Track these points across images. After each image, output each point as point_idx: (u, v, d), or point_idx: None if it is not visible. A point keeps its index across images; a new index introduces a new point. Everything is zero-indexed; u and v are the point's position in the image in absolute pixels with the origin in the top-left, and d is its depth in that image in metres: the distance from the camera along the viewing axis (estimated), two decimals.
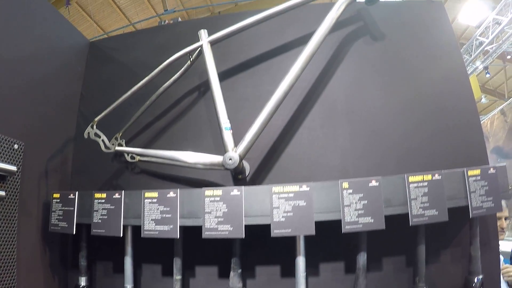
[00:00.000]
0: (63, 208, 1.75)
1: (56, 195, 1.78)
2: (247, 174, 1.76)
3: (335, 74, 1.91)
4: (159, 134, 1.98)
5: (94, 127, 1.80)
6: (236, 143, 1.63)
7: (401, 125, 1.80)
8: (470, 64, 10.45)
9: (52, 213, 1.77)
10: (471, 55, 10.27)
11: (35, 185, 1.81)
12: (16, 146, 1.66)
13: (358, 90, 1.87)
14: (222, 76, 1.96)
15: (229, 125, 1.64)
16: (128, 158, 1.91)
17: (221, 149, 1.63)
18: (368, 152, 1.77)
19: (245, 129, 1.75)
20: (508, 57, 10.65)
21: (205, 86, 1.98)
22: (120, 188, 1.94)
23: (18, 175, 1.65)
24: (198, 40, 1.87)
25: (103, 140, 1.77)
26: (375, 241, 1.55)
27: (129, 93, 1.81)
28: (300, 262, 1.53)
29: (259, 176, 1.78)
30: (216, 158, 1.61)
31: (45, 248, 1.81)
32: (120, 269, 1.71)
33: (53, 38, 2.05)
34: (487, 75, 11.55)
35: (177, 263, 1.66)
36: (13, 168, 1.61)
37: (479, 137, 1.77)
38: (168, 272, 1.73)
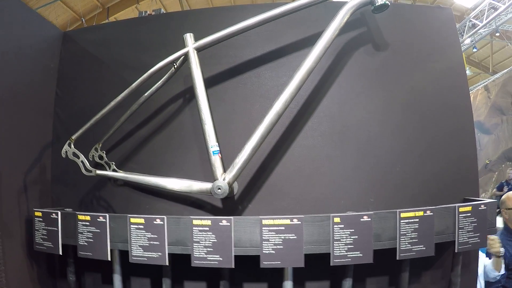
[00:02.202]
0: (47, 227, 1.70)
1: (38, 214, 1.72)
2: (235, 192, 1.71)
3: (331, 88, 1.79)
4: (142, 143, 1.87)
5: (72, 145, 1.67)
6: (225, 162, 1.57)
7: (398, 147, 1.75)
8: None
9: (36, 231, 1.72)
10: (462, 36, 10.03)
11: (15, 202, 1.74)
12: None
13: (355, 107, 1.78)
14: (209, 83, 1.81)
15: (217, 149, 1.55)
16: (110, 172, 1.82)
17: (206, 158, 1.57)
18: (361, 173, 1.74)
19: (233, 146, 1.69)
20: (497, 34, 10.39)
21: (191, 93, 1.83)
22: (103, 200, 1.88)
23: None
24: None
25: (82, 162, 1.65)
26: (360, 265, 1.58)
27: (107, 108, 1.66)
28: (288, 286, 1.56)
29: (247, 195, 1.74)
30: (204, 186, 1.55)
31: (32, 264, 1.80)
32: (109, 282, 1.71)
33: (20, 33, 1.81)
34: (474, 50, 11.56)
35: (166, 283, 1.67)
36: None
37: (473, 164, 1.77)
38: (157, 285, 1.74)
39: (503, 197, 2.89)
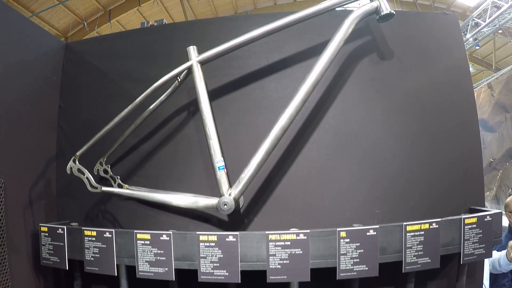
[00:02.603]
0: (53, 242, 1.71)
1: (44, 229, 1.73)
2: (241, 205, 1.71)
3: (336, 99, 1.79)
4: (147, 156, 1.87)
5: (77, 162, 1.68)
6: (231, 175, 1.57)
7: (403, 157, 1.75)
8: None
9: (42, 246, 1.73)
10: (465, 34, 10.01)
11: (20, 217, 1.75)
12: None
13: (360, 118, 1.77)
14: (213, 95, 1.82)
15: (223, 164, 1.55)
16: (116, 186, 1.83)
17: (212, 171, 1.58)
18: (367, 184, 1.73)
19: (239, 159, 1.69)
20: (500, 31, 10.35)
21: (195, 105, 1.84)
22: (109, 213, 1.89)
23: (2, 215, 1.58)
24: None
25: (87, 178, 1.66)
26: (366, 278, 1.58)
27: (111, 123, 1.66)
28: None
29: (253, 209, 1.74)
30: (210, 201, 1.56)
31: (39, 278, 1.81)
32: None
33: (21, 46, 1.81)
34: (477, 47, 11.52)
35: None
36: None
37: (479, 174, 1.77)
38: None
39: (507, 200, 2.89)
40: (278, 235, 1.48)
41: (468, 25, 9.86)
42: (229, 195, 1.51)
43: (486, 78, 10.69)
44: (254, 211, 1.74)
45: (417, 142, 1.76)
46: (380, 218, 1.71)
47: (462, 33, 9.75)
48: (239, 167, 1.54)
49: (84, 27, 10.25)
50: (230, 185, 1.55)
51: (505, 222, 3.14)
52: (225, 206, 1.49)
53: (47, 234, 1.73)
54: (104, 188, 1.65)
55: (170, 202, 1.59)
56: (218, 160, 1.54)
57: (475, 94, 8.54)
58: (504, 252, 2.36)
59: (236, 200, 1.51)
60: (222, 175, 1.53)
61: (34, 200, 1.83)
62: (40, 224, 1.75)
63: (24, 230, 1.77)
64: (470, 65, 13.48)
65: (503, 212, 2.84)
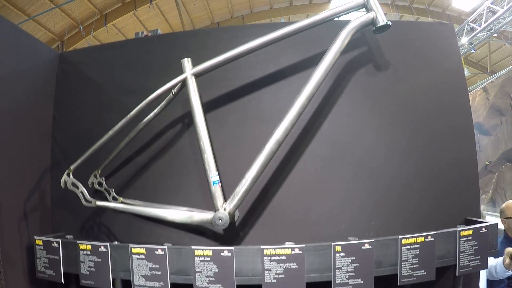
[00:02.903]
0: (48, 256, 1.70)
1: (39, 242, 1.72)
2: (236, 218, 1.71)
3: (332, 111, 1.79)
4: (142, 169, 1.87)
5: (71, 175, 1.67)
6: (225, 187, 1.58)
7: (399, 168, 1.76)
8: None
9: (37, 259, 1.73)
10: (460, 39, 10.03)
11: (15, 229, 1.74)
12: None
13: (355, 130, 1.78)
14: (208, 107, 1.82)
15: (217, 178, 1.55)
16: (110, 199, 1.82)
17: (207, 183, 1.57)
18: (362, 196, 1.74)
19: (233, 171, 1.69)
20: (495, 34, 10.43)
21: (189, 117, 1.83)
22: (104, 225, 1.88)
23: None
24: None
25: (82, 192, 1.65)
26: None
27: (105, 137, 1.65)
28: None
29: (248, 222, 1.74)
30: (205, 216, 1.55)
31: None
32: None
33: (15, 57, 1.80)
34: (472, 51, 11.55)
35: None
36: None
37: (475, 184, 1.77)
38: None
39: (502, 206, 2.90)
40: (273, 250, 1.47)
41: (464, 29, 9.91)
42: (224, 209, 1.50)
43: (481, 81, 10.74)
44: (250, 223, 1.73)
45: (413, 153, 1.76)
46: (375, 230, 1.71)
47: (458, 38, 9.81)
48: (235, 180, 1.54)
49: (80, 31, 10.21)
50: (225, 199, 1.54)
51: (500, 225, 3.16)
52: (220, 221, 1.49)
53: (42, 247, 1.72)
54: (99, 203, 1.64)
55: (165, 217, 1.59)
56: (213, 174, 1.54)
57: (471, 98, 8.58)
58: (500, 259, 2.36)
59: (231, 215, 1.51)
60: (216, 190, 1.53)
61: (29, 212, 1.82)
62: (35, 237, 1.74)
63: (19, 242, 1.76)
64: (465, 69, 13.57)
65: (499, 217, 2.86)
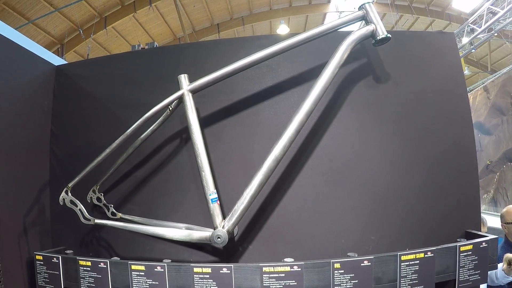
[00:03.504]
0: (48, 271, 1.71)
1: (39, 257, 1.73)
2: (235, 234, 1.71)
3: (331, 125, 1.78)
4: (140, 184, 1.87)
5: (69, 193, 1.67)
6: (224, 203, 1.59)
7: (398, 182, 1.75)
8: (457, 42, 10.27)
9: (38, 274, 1.73)
10: (460, 40, 10.03)
11: (15, 245, 1.74)
12: None
13: (355, 144, 1.77)
14: (206, 122, 1.81)
15: (216, 196, 1.55)
16: (109, 215, 1.83)
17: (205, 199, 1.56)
18: (362, 211, 1.73)
19: (232, 187, 1.70)
20: (495, 34, 10.41)
21: (187, 132, 1.80)
22: (103, 240, 1.89)
23: None
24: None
25: (80, 210, 1.65)
26: None
27: (102, 155, 1.65)
28: None
29: (247, 237, 1.73)
30: (204, 234, 1.54)
31: None
32: None
33: (12, 72, 1.80)
34: (473, 51, 11.49)
35: None
36: None
37: (475, 197, 1.77)
38: None
39: (502, 211, 2.90)
40: (272, 267, 1.47)
41: (464, 30, 9.88)
42: (223, 227, 1.50)
43: (482, 80, 10.70)
44: (249, 239, 1.73)
45: (412, 167, 1.76)
46: (375, 245, 1.70)
47: (458, 38, 9.79)
48: (234, 195, 1.54)
49: (80, 34, 10.22)
50: (224, 217, 1.54)
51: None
52: (219, 239, 1.49)
53: (42, 263, 1.73)
54: (97, 221, 1.64)
55: (164, 235, 1.58)
56: (211, 192, 1.53)
57: (471, 97, 8.56)
58: (500, 265, 2.36)
59: (230, 232, 1.51)
60: (215, 207, 1.53)
61: (28, 228, 1.82)
62: (35, 253, 1.74)
63: (19, 257, 1.76)
64: (465, 68, 13.53)
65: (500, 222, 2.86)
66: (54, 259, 1.70)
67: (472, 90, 9.24)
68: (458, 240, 1.66)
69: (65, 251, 1.83)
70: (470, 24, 9.65)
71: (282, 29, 13.33)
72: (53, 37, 10.28)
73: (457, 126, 1.80)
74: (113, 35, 11.28)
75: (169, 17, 11.91)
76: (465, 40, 9.92)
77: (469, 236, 1.69)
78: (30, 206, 1.86)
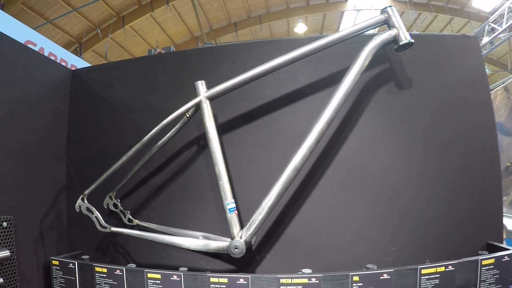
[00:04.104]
0: (64, 276, 1.72)
1: (55, 262, 1.75)
2: (253, 243, 1.69)
3: (351, 133, 1.73)
4: (157, 191, 1.86)
5: (85, 200, 1.68)
6: (242, 212, 1.58)
7: (420, 192, 1.68)
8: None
9: (54, 279, 1.75)
10: (481, 40, 9.73)
11: (32, 250, 1.76)
12: (5, 224, 1.57)
13: (376, 152, 1.71)
14: (224, 129, 1.79)
15: (233, 206, 1.52)
16: (126, 221, 1.83)
17: (223, 207, 1.55)
18: (382, 221, 1.68)
19: (250, 196, 1.67)
20: None
21: (205, 139, 1.78)
22: (120, 245, 1.89)
23: (13, 257, 1.59)
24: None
25: (96, 217, 1.65)
26: None
27: (119, 163, 1.65)
28: None
29: (265, 246, 1.71)
30: (221, 244, 1.53)
31: None
32: None
33: (29, 78, 1.82)
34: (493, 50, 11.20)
35: None
36: (6, 253, 1.54)
37: (498, 208, 1.70)
38: None
39: None
40: (290, 279, 1.44)
41: (484, 30, 9.62)
42: (240, 237, 1.48)
43: (502, 79, 10.41)
44: (266, 248, 1.71)
45: (435, 177, 1.69)
46: (395, 256, 1.66)
47: (479, 38, 9.55)
48: (252, 204, 1.52)
49: (97, 34, 10.36)
50: (242, 226, 1.52)
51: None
52: (236, 250, 1.47)
53: (58, 268, 1.75)
54: (113, 229, 1.65)
55: (181, 244, 1.56)
56: (229, 201, 1.51)
57: (491, 97, 8.34)
58: None
59: (248, 243, 1.49)
60: (233, 217, 1.51)
61: (45, 232, 1.84)
62: (51, 258, 1.76)
63: (36, 262, 1.78)
64: (485, 66, 13.20)
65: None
66: (70, 264, 1.71)
67: (492, 89, 9.00)
68: (479, 252, 1.60)
69: (82, 256, 1.84)
70: (490, 23, 9.39)
71: (300, 27, 13.25)
72: (71, 36, 10.46)
73: (481, 135, 1.72)
74: (130, 34, 11.41)
75: (186, 16, 11.96)
76: (485, 39, 9.64)
77: (491, 248, 1.63)
78: (47, 211, 1.88)
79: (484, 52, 10.03)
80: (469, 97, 1.75)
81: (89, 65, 4.56)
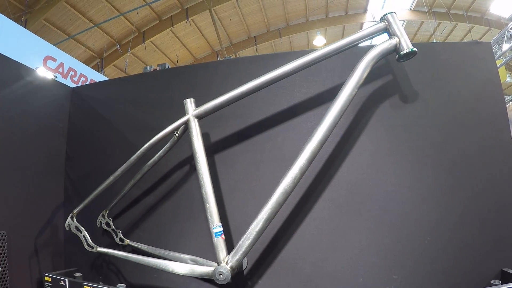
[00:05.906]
0: None
1: (48, 278, 1.75)
2: (244, 267, 1.61)
3: (350, 152, 1.63)
4: (149, 210, 1.83)
5: (74, 219, 1.66)
6: (233, 234, 1.53)
7: (427, 216, 1.56)
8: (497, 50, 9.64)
9: None
10: (501, 47, 9.41)
11: (26, 266, 1.77)
12: None
13: (377, 173, 1.60)
14: (217, 147, 1.74)
15: (220, 229, 1.44)
16: (117, 240, 1.80)
17: None
18: (383, 247, 1.56)
19: (242, 217, 1.60)
20: None
21: None
22: (113, 264, 1.86)
23: (5, 272, 1.58)
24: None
25: (84, 237, 1.63)
26: None
27: (106, 182, 1.64)
28: None
29: (257, 271, 1.62)
30: (206, 269, 1.45)
31: None
32: None
33: (29, 97, 1.86)
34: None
35: None
36: None
37: None
38: None
39: None
40: None
41: (504, 37, 9.29)
42: (226, 263, 1.40)
43: None
44: (259, 273, 1.62)
45: (444, 198, 1.56)
46: (397, 285, 1.53)
47: (498, 45, 9.22)
48: (244, 226, 1.43)
49: (117, 49, 10.64)
50: (229, 252, 1.43)
51: None
52: (221, 276, 1.39)
53: (50, 284, 1.74)
54: (100, 249, 1.62)
55: (166, 268, 1.50)
56: (215, 225, 1.44)
57: (510, 108, 7.98)
58: None
59: (234, 269, 1.40)
60: (219, 242, 1.43)
61: (40, 248, 1.84)
62: (44, 274, 1.75)
63: (29, 278, 1.78)
64: (507, 75, 12.68)
65: None
66: (62, 281, 1.70)
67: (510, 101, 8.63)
68: (491, 282, 1.45)
69: (74, 274, 1.81)
70: (510, 30, 9.06)
71: (319, 40, 13.21)
72: (93, 51, 10.78)
73: (496, 152, 1.58)
74: (151, 49, 11.67)
75: (206, 31, 12.16)
76: (505, 46, 9.29)
77: (505, 276, 1.47)
78: (44, 227, 1.88)
79: (504, 59, 9.67)
80: (482, 109, 1.61)
81: (107, 79, 4.66)
